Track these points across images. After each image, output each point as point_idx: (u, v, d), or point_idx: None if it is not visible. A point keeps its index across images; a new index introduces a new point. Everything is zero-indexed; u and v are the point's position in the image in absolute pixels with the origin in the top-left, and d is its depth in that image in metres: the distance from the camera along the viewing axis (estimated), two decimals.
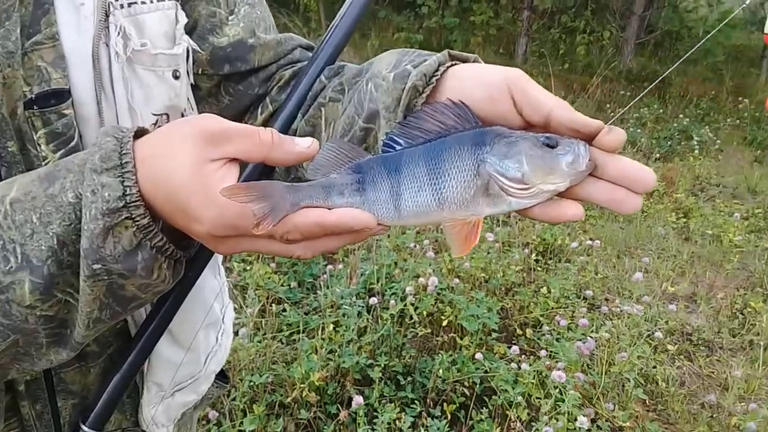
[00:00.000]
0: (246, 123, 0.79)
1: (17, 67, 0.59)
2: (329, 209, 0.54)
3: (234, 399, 2.49)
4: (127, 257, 0.53)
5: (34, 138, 0.62)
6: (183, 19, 0.71)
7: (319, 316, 2.93)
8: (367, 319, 2.81)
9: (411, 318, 2.82)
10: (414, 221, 0.56)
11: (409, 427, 2.33)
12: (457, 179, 0.54)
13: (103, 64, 0.65)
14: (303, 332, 2.82)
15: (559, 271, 3.69)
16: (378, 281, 3.03)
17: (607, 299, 3.38)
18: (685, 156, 6.86)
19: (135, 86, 0.67)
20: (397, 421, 2.33)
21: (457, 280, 3.03)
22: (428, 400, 2.58)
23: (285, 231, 0.53)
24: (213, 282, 0.90)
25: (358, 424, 2.29)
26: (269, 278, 3.15)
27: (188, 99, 0.75)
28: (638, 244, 4.58)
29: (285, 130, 0.73)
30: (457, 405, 2.55)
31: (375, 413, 2.39)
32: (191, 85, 0.76)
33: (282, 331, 2.91)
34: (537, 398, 2.48)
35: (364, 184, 0.55)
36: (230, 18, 0.76)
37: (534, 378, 2.56)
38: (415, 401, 2.54)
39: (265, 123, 0.77)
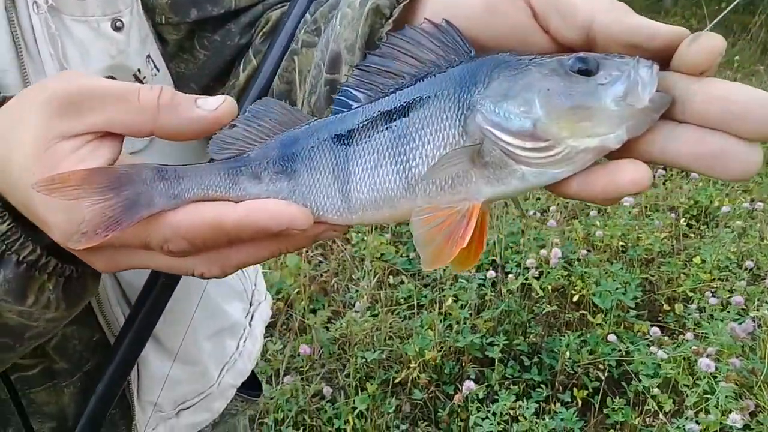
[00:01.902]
0: (229, 82, 0.63)
1: None
2: (236, 202, 0.36)
3: (348, 375, 2.41)
4: None
5: None
6: None
7: (439, 289, 2.77)
8: (488, 293, 2.60)
9: (536, 293, 2.57)
10: (372, 215, 0.37)
11: (532, 414, 2.11)
12: (433, 144, 0.34)
13: (22, 18, 0.51)
14: (420, 307, 2.67)
15: (716, 238, 3.23)
16: (500, 253, 2.80)
17: None
18: None
19: (66, 43, 0.53)
20: (514, 409, 2.12)
21: (584, 252, 2.73)
22: (556, 383, 2.34)
23: (162, 239, 0.36)
24: (233, 280, 0.76)
25: (471, 411, 2.11)
26: (386, 249, 3.02)
27: (149, 57, 0.60)
28: None
29: (264, 94, 0.56)
30: (590, 390, 2.29)
31: (496, 397, 2.20)
32: (158, 38, 0.61)
33: (400, 303, 2.78)
34: (684, 386, 2.16)
35: (295, 163, 0.37)
36: None
37: (680, 363, 2.23)
38: (542, 384, 2.32)
39: (249, 81, 0.60)
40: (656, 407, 2.14)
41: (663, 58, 0.33)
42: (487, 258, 2.89)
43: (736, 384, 2.19)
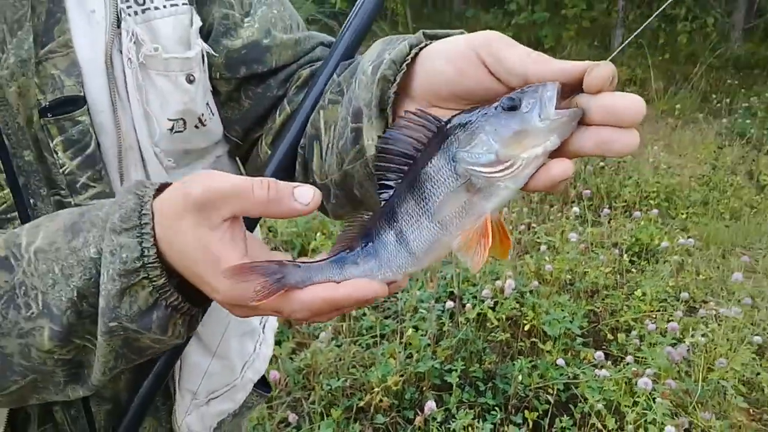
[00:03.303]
0: (267, 126, 0.78)
1: (31, 75, 0.61)
2: (338, 282, 0.53)
3: (313, 402, 2.52)
4: (142, 316, 0.54)
5: (51, 145, 0.63)
6: (197, 23, 0.71)
7: (399, 321, 2.92)
8: (446, 323, 2.77)
9: (491, 323, 2.75)
10: (433, 256, 0.53)
11: None
12: (442, 193, 0.50)
13: (117, 70, 0.65)
14: (381, 337, 2.81)
15: (656, 272, 3.48)
16: (458, 285, 2.98)
17: (705, 302, 3.14)
18: None
19: (149, 91, 0.67)
20: (471, 428, 2.27)
21: (536, 283, 2.93)
22: (509, 406, 2.50)
23: (291, 309, 0.52)
24: None
25: (430, 429, 2.25)
26: None
27: (208, 104, 0.74)
28: (746, 243, 4.25)
29: (298, 139, 0.71)
30: (540, 412, 2.45)
31: (453, 419, 2.35)
32: (212, 89, 0.76)
33: (362, 335, 2.91)
34: (625, 406, 2.35)
35: (375, 246, 0.54)
36: (245, 20, 0.75)
37: (621, 385, 2.42)
38: (496, 407, 2.48)
39: (283, 125, 0.75)
40: (600, 426, 2.32)
41: (578, 84, 0.48)
42: (446, 290, 3.07)
43: (672, 403, 2.39)
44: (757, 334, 2.89)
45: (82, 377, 0.61)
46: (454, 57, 0.52)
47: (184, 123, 0.71)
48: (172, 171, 0.71)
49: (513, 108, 0.47)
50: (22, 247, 0.56)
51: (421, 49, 0.56)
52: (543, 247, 3.45)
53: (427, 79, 0.54)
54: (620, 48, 0.66)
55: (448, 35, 0.57)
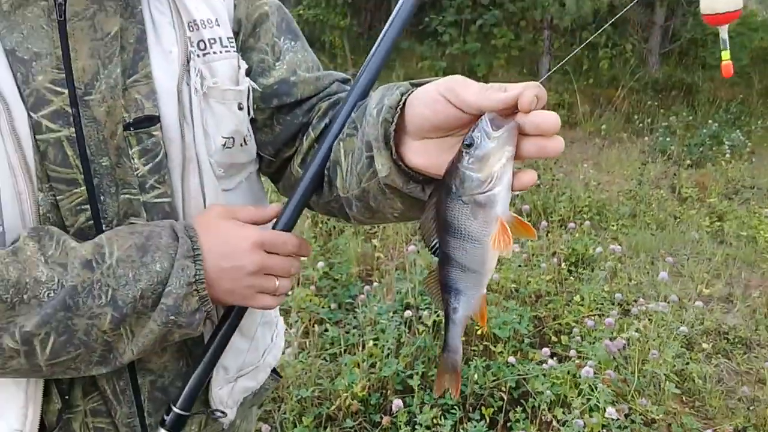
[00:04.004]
0: (294, 147, 0.96)
1: (117, 98, 0.78)
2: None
3: (284, 413, 2.66)
4: (190, 315, 0.78)
5: (130, 153, 0.80)
6: (243, 65, 0.90)
7: (360, 334, 3.09)
8: (404, 332, 2.96)
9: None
10: (489, 264, 0.69)
11: (449, 430, 2.46)
12: (466, 220, 0.66)
13: (185, 97, 0.83)
14: (345, 350, 2.98)
15: (592, 279, 3.78)
16: (414, 297, 3.18)
17: (636, 301, 3.45)
18: (717, 161, 6.85)
19: (208, 115, 0.85)
20: (437, 426, 2.46)
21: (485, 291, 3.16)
22: (467, 405, 2.71)
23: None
24: None
25: (399, 427, 2.42)
26: (310, 301, 3.33)
27: (248, 128, 0.92)
28: (672, 250, 4.62)
29: (323, 166, 0.88)
30: (495, 408, 2.66)
31: (416, 419, 2.53)
32: (251, 118, 0.93)
33: (326, 349, 3.07)
34: (571, 397, 2.59)
35: (456, 289, 0.71)
36: (277, 63, 0.93)
37: (567, 379, 2.66)
38: (455, 407, 2.67)
39: (310, 148, 0.93)
40: (551, 416, 2.55)
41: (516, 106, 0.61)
42: (401, 303, 3.27)
43: (612, 392, 2.64)
44: (683, 326, 3.19)
45: (108, 361, 0.78)
46: (428, 101, 0.67)
47: (233, 141, 0.88)
48: (221, 179, 0.88)
49: (470, 145, 0.63)
50: (105, 255, 0.75)
51: (408, 95, 0.71)
52: None
53: (413, 119, 0.70)
54: (547, 75, 0.88)
55: (427, 82, 0.71)
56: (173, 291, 0.76)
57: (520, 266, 3.60)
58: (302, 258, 0.93)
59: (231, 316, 0.86)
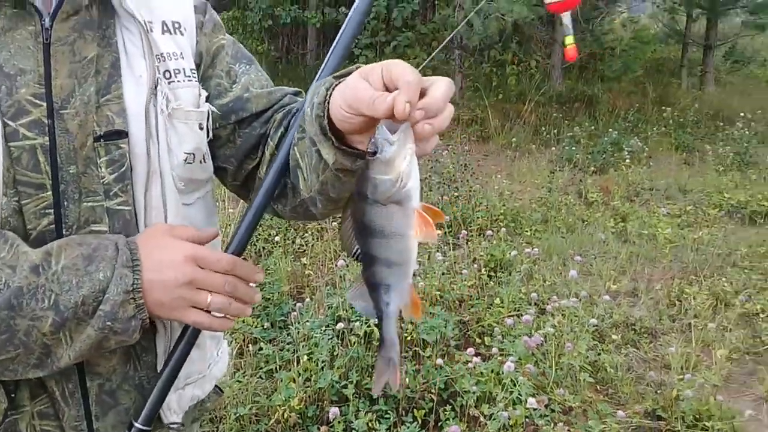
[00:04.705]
0: (256, 157, 1.06)
1: (90, 113, 0.87)
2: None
3: None
4: (126, 322, 0.82)
5: (98, 162, 0.88)
6: (204, 93, 1.01)
7: (294, 350, 3.18)
8: (337, 345, 3.08)
9: (377, 339, 3.09)
10: (413, 254, 0.74)
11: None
12: (387, 219, 0.72)
13: (151, 116, 0.92)
14: (280, 367, 3.06)
15: (510, 282, 4.02)
16: (345, 311, 3.31)
17: (550, 299, 3.70)
18: (618, 166, 7.35)
19: (172, 133, 0.95)
20: (373, 431, 2.58)
21: None
22: (400, 409, 2.85)
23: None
24: None
25: None
26: (243, 321, 3.39)
27: (206, 148, 1.02)
28: (581, 251, 4.94)
29: (282, 174, 0.98)
30: (426, 410, 2.81)
31: (353, 426, 2.65)
32: (214, 136, 1.03)
33: (261, 367, 3.15)
34: (496, 393, 2.77)
35: (384, 284, 0.76)
36: (233, 86, 1.05)
37: (491, 376, 2.85)
38: (389, 411, 2.80)
39: (272, 156, 1.02)
40: (477, 413, 2.73)
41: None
42: (333, 318, 3.38)
43: (533, 385, 2.85)
44: (593, 319, 3.45)
45: (46, 364, 0.81)
46: (337, 106, 0.77)
47: (194, 157, 0.98)
48: (181, 193, 0.98)
49: (375, 153, 0.69)
50: (52, 263, 0.81)
51: (334, 88, 0.79)
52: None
53: (335, 112, 0.79)
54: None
55: (348, 74, 0.79)
56: (111, 298, 0.80)
57: (443, 274, 3.80)
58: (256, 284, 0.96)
59: (188, 334, 0.93)
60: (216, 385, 1.17)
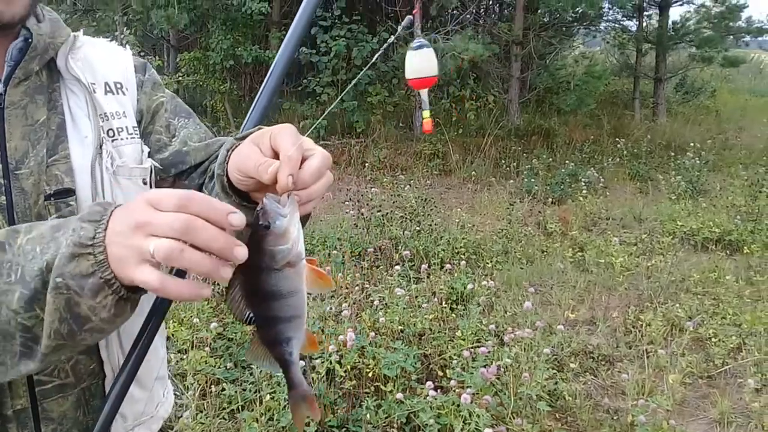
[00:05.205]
0: None
1: (42, 173, 0.93)
2: None
3: None
4: (81, 279, 0.69)
5: (48, 219, 0.92)
6: (146, 149, 1.08)
7: (257, 389, 3.19)
8: None
9: (339, 376, 3.13)
10: (304, 304, 0.78)
11: None
12: (283, 280, 0.75)
13: (97, 174, 0.98)
14: (243, 407, 3.07)
15: (470, 314, 4.10)
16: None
17: (506, 330, 3.78)
18: (576, 197, 7.55)
19: (117, 189, 1.00)
20: None
21: (373, 334, 3.38)
22: None
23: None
24: (162, 349, 1.20)
25: None
26: (205, 362, 3.39)
27: None
28: (541, 281, 5.06)
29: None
30: None
31: None
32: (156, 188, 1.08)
33: (224, 408, 3.15)
34: (455, 425, 2.82)
35: (292, 355, 0.80)
36: (172, 140, 1.12)
37: (451, 409, 2.90)
38: None
39: None
40: None
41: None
42: None
43: (492, 416, 2.91)
44: (548, 348, 3.54)
45: (35, 352, 0.74)
46: (233, 168, 0.85)
47: None
48: None
49: (268, 227, 0.72)
50: (19, 237, 0.74)
51: (233, 150, 0.88)
52: (376, 303, 3.94)
53: (232, 174, 0.89)
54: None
55: (249, 134, 0.87)
56: (62, 251, 0.69)
57: (404, 308, 3.86)
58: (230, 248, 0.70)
59: (129, 364, 0.94)
60: (161, 428, 1.20)
